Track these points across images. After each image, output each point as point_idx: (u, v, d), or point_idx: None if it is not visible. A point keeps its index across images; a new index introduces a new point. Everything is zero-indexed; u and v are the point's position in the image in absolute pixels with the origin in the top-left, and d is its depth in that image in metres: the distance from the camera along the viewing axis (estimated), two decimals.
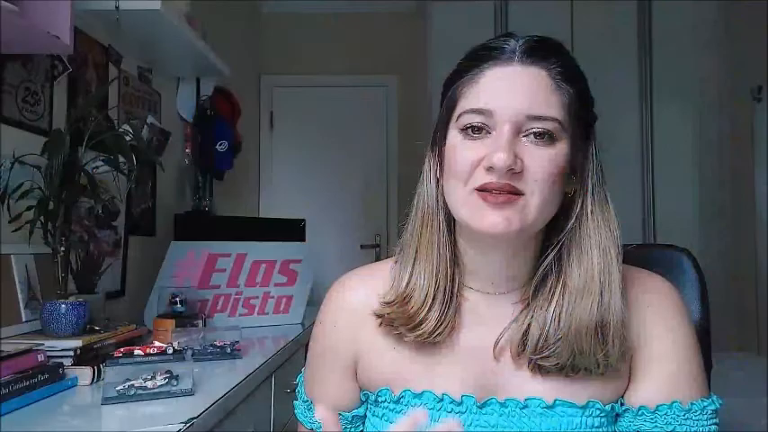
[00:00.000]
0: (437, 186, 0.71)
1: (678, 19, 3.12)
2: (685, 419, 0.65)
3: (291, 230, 2.30)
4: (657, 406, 0.66)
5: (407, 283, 0.71)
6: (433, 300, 0.69)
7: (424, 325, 0.68)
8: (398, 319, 0.70)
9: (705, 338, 0.92)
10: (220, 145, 2.43)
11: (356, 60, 3.76)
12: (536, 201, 0.62)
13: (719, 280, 2.89)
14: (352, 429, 0.78)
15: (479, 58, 0.66)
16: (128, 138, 1.33)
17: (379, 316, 0.72)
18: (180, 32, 1.80)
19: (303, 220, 2.37)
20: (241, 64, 3.14)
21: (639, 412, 0.66)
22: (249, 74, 3.54)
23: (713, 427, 0.66)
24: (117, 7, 1.58)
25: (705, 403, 0.66)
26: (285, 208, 3.63)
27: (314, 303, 0.83)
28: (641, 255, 0.74)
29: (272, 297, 1.96)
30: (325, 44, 3.76)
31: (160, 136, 2.06)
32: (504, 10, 3.19)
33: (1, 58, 1.31)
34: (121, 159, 1.32)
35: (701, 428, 0.65)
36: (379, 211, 3.67)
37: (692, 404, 0.66)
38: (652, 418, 0.66)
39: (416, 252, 0.71)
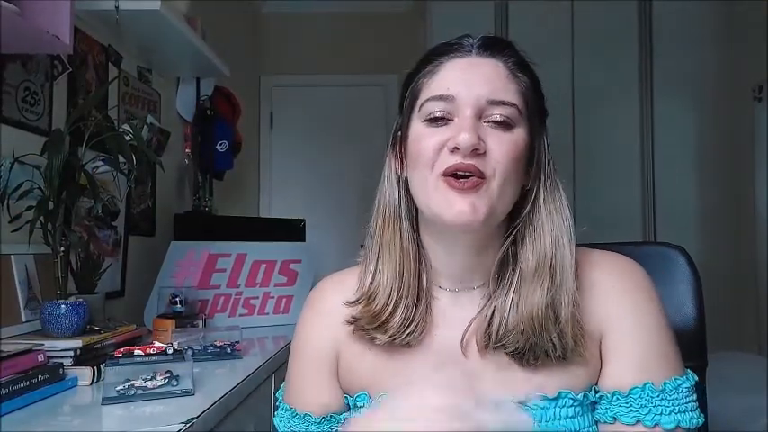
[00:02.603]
0: (398, 184, 0.73)
1: (678, 19, 3.12)
2: (660, 400, 0.64)
3: (291, 230, 2.30)
4: (630, 389, 0.65)
5: (371, 282, 0.72)
6: (397, 297, 0.70)
7: (390, 323, 0.69)
8: (364, 319, 0.70)
9: (700, 336, 0.92)
10: (220, 145, 2.43)
11: (356, 60, 3.76)
12: (498, 184, 0.64)
13: (719, 279, 2.88)
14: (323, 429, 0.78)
15: (438, 53, 0.70)
16: (128, 138, 1.33)
17: (350, 323, 0.72)
18: (180, 32, 1.80)
19: (303, 220, 2.37)
20: (241, 64, 3.14)
21: (614, 397, 0.66)
22: (249, 74, 3.54)
23: (690, 404, 0.65)
24: (117, 7, 1.58)
25: (679, 381, 0.65)
26: (285, 208, 3.63)
27: None
28: (635, 252, 0.74)
29: (272, 297, 1.96)
30: (326, 44, 3.76)
31: (160, 136, 2.06)
32: (505, 10, 3.19)
33: (1, 58, 1.31)
34: (121, 159, 1.32)
35: (677, 407, 0.64)
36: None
37: (665, 383, 0.65)
38: (627, 402, 0.65)
39: (379, 251, 0.73)
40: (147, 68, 2.05)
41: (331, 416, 0.77)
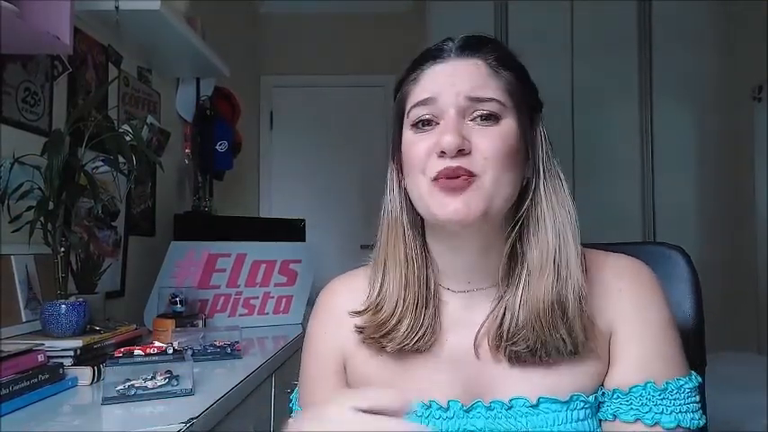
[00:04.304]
0: (400, 193, 0.74)
1: (678, 19, 3.13)
2: (661, 399, 0.64)
3: (291, 230, 2.30)
4: (631, 387, 0.65)
5: (379, 292, 0.72)
6: (403, 307, 0.70)
7: (393, 333, 0.69)
8: (370, 328, 0.71)
9: (699, 336, 0.92)
10: (220, 145, 2.43)
11: (356, 60, 3.76)
12: (489, 178, 0.64)
13: (719, 279, 2.89)
14: None
15: (420, 61, 0.71)
16: (127, 138, 1.33)
17: (357, 331, 0.73)
18: (180, 32, 1.80)
19: (303, 220, 2.37)
20: (241, 64, 3.14)
21: (614, 396, 0.66)
22: (249, 74, 3.54)
23: (693, 404, 0.65)
24: (117, 7, 1.58)
25: (681, 382, 0.66)
26: (285, 208, 3.63)
27: (314, 303, 0.83)
28: (634, 252, 0.74)
29: (272, 297, 1.96)
30: (325, 44, 3.76)
31: (160, 136, 2.06)
32: (504, 10, 3.19)
33: (1, 58, 1.31)
34: (121, 159, 1.32)
35: (678, 407, 0.64)
36: (380, 211, 3.67)
37: (667, 383, 0.65)
38: (627, 401, 0.65)
39: (385, 260, 0.73)
40: (147, 68, 2.05)
41: None
